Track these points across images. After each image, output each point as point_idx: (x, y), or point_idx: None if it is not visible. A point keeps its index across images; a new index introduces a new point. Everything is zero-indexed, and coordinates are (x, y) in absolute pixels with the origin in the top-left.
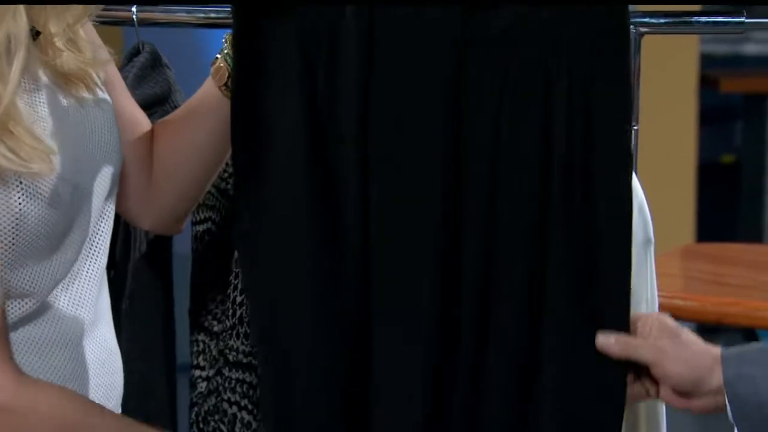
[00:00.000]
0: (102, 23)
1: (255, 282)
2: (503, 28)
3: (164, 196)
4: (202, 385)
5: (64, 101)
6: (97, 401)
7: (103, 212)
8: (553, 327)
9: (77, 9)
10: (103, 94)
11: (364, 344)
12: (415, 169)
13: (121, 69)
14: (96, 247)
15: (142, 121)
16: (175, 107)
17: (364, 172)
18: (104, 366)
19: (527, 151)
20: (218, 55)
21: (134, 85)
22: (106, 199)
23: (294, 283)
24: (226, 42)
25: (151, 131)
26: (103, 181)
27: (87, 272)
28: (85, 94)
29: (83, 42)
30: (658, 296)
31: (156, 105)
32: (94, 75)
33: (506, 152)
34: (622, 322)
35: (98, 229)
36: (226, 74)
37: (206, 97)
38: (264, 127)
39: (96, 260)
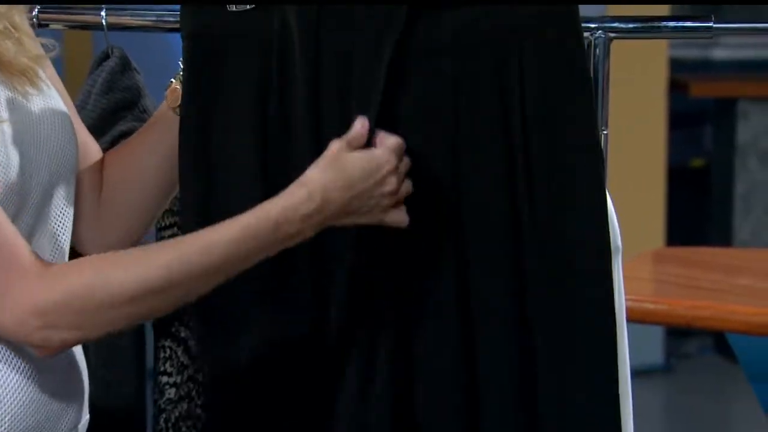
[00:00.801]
0: (71, 27)
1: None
2: (450, 36)
3: (112, 225)
4: (171, 392)
5: (7, 93)
6: (59, 405)
7: (62, 212)
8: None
9: None
10: (49, 90)
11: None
12: None
13: (90, 74)
14: (57, 244)
15: (91, 147)
16: (144, 111)
17: None
18: (67, 373)
19: (488, 158)
20: (173, 79)
21: (104, 90)
22: (65, 196)
23: (241, 315)
24: (182, 65)
25: (102, 158)
26: (57, 174)
27: None
28: (30, 89)
29: (26, 37)
30: (629, 300)
31: (125, 110)
32: (38, 70)
33: (466, 163)
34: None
35: (58, 227)
36: (180, 96)
37: (159, 121)
38: (214, 149)
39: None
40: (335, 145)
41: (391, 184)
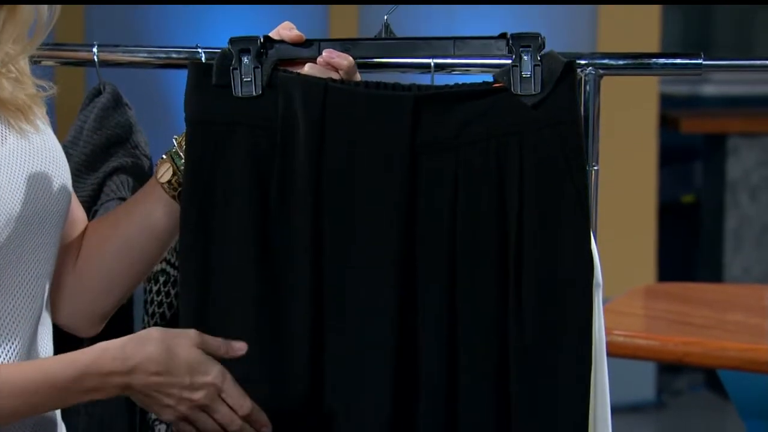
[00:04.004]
0: (63, 64)
1: None
2: (454, 131)
3: (85, 292)
4: (161, 428)
5: (2, 128)
6: None
7: (46, 248)
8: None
9: (19, 42)
10: (44, 126)
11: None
12: (369, 279)
13: (81, 110)
14: (35, 285)
15: (76, 213)
16: (136, 147)
17: (317, 278)
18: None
19: (484, 248)
20: (164, 155)
21: (96, 126)
22: (51, 234)
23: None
24: (176, 142)
25: (86, 227)
26: (48, 213)
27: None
28: (25, 125)
29: (25, 77)
30: (621, 335)
31: (117, 145)
32: (35, 109)
33: (462, 253)
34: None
35: (37, 267)
36: (170, 173)
37: (146, 196)
38: (214, 235)
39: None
40: (190, 333)
41: (200, 395)
